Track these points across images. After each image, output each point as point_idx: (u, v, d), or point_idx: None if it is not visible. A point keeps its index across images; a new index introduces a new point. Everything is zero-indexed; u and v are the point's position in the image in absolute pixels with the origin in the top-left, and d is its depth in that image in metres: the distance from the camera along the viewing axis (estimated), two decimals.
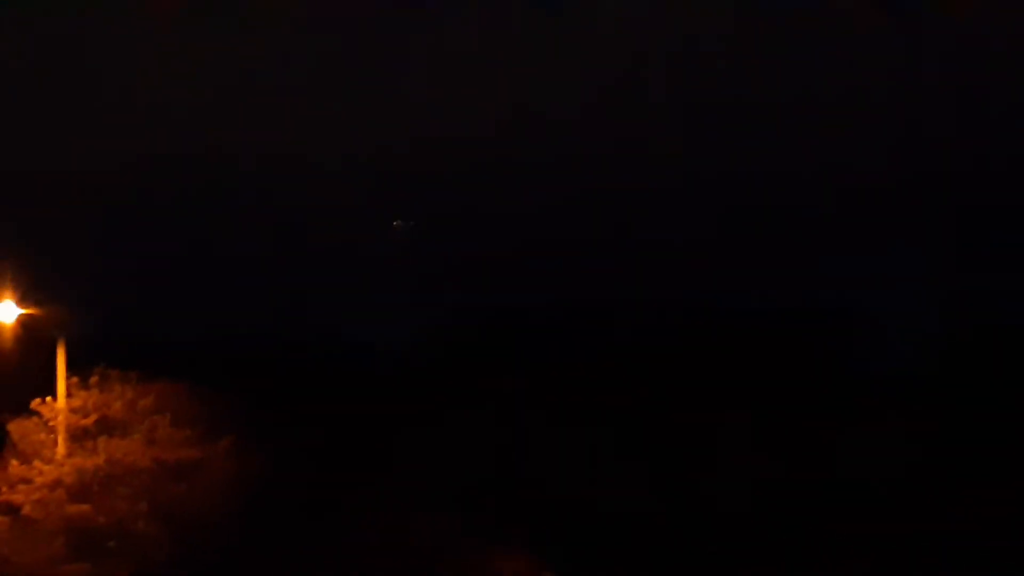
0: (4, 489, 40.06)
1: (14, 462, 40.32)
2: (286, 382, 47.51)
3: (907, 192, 56.85)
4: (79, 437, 40.67)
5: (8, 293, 41.12)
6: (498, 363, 49.23)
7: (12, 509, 39.83)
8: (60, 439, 40.54)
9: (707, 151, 57.49)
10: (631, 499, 44.52)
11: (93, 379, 41.26)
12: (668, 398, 47.61)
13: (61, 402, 40.79)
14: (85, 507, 39.62)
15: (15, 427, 40.77)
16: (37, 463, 40.19)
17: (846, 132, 57.92)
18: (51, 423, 40.75)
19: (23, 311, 41.12)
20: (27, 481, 39.94)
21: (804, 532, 42.60)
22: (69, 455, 40.34)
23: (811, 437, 45.56)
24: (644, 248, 57.03)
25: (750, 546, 42.93)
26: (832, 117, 58.44)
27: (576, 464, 45.15)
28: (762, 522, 43.36)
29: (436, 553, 43.49)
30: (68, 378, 41.00)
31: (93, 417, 40.87)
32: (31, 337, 41.50)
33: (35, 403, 40.83)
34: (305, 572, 42.11)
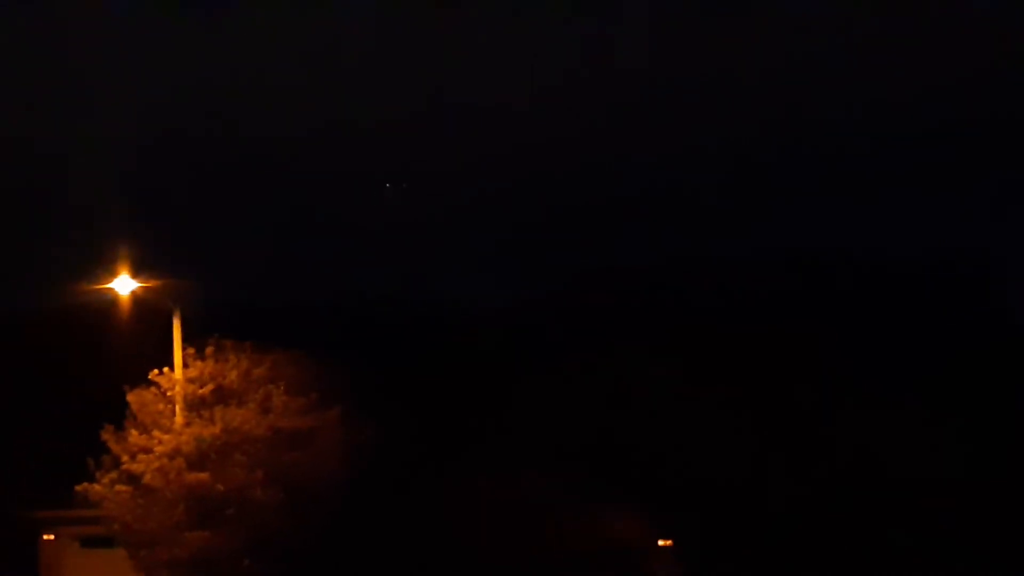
0: (125, 459, 40.81)
1: (134, 432, 41.01)
2: (398, 348, 47.75)
3: None
4: (196, 407, 41.21)
5: (124, 267, 41.75)
6: (615, 327, 48.94)
7: (133, 478, 40.60)
8: (178, 409, 41.11)
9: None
10: (748, 471, 44.14)
11: (208, 349, 41.70)
12: (790, 367, 46.83)
13: (178, 373, 41.36)
14: (203, 475, 40.27)
15: (134, 398, 41.37)
16: (156, 433, 40.83)
17: None
18: (169, 393, 41.31)
19: (139, 284, 41.73)
20: (147, 450, 40.64)
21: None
22: (187, 424, 40.94)
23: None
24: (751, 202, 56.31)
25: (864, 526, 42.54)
26: None
27: (694, 432, 44.82)
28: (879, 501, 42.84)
29: (549, 517, 43.74)
30: (184, 349, 41.53)
31: (209, 387, 41.39)
32: (147, 309, 42.14)
33: (153, 374, 41.39)
34: (419, 536, 42.61)
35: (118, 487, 40.63)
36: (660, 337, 46.28)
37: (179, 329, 41.53)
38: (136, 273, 41.67)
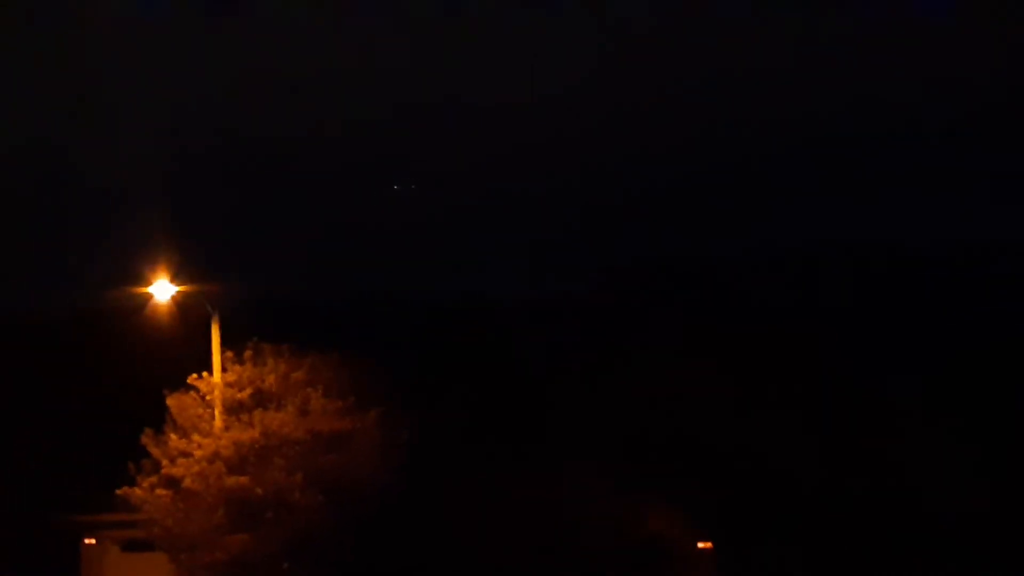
0: (165, 463, 40.97)
1: (174, 436, 41.18)
2: (434, 348, 47.79)
3: None
4: (235, 410, 41.36)
5: (163, 272, 41.92)
6: (647, 324, 48.80)
7: (173, 482, 40.74)
8: (217, 413, 41.27)
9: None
10: (792, 466, 43.90)
11: (247, 353, 41.84)
12: (841, 357, 46.50)
13: (217, 377, 41.52)
14: (243, 479, 40.39)
15: (174, 402, 41.54)
16: (196, 437, 40.99)
17: None
18: (208, 397, 41.46)
19: (178, 288, 41.89)
20: (187, 454, 40.78)
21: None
22: (226, 428, 41.07)
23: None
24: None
25: (914, 530, 42.18)
26: None
27: (735, 426, 44.61)
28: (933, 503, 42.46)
29: (586, 517, 43.70)
30: (223, 353, 41.72)
31: (248, 391, 41.52)
32: (186, 314, 42.30)
33: (192, 378, 41.57)
34: (458, 537, 42.64)
35: (158, 491, 40.78)
36: (692, 334, 46.17)
37: (217, 333, 41.72)
38: (174, 277, 41.86)
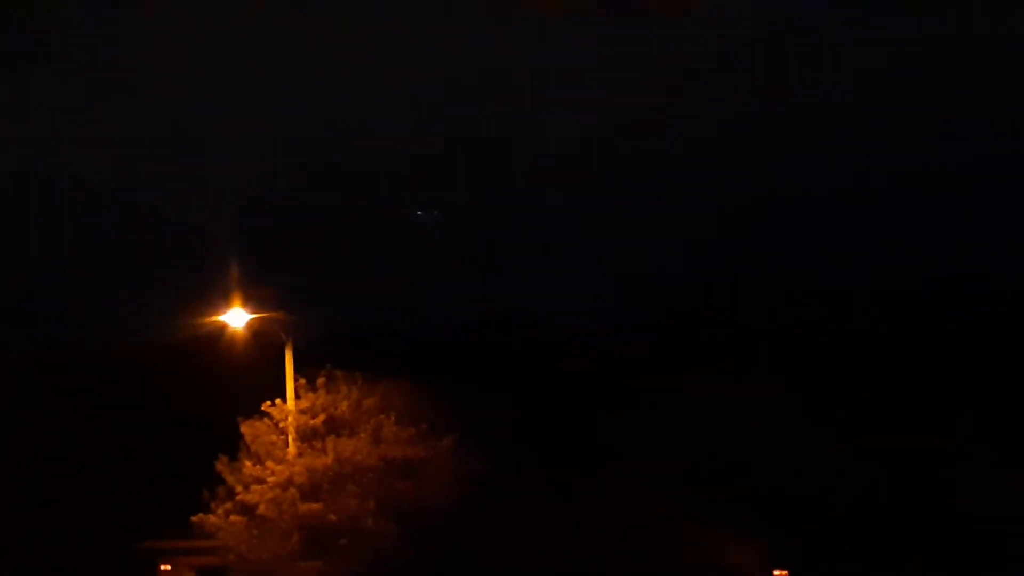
0: (239, 489, 41.23)
1: (248, 463, 41.46)
2: (506, 374, 47.82)
3: None
4: (308, 437, 41.57)
5: (237, 300, 42.27)
6: (726, 346, 48.64)
7: (247, 509, 40.99)
8: (290, 440, 41.51)
9: None
10: (870, 495, 43.54)
11: (320, 380, 42.07)
12: (910, 383, 46.12)
13: (290, 404, 41.76)
14: (316, 505, 40.59)
15: (248, 429, 41.83)
16: (270, 463, 41.24)
17: None
18: (281, 424, 41.72)
19: (252, 316, 42.19)
20: (261, 481, 41.03)
21: None
22: (299, 455, 41.29)
23: None
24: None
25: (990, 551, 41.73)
26: None
27: (812, 454, 44.31)
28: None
29: (663, 543, 43.47)
30: (296, 380, 41.94)
31: (321, 417, 41.74)
32: (260, 341, 42.60)
33: (266, 405, 41.83)
34: (529, 566, 42.55)
35: (233, 517, 41.04)
36: (742, 357, 46.08)
37: (291, 360, 41.96)
38: (249, 305, 42.17)
